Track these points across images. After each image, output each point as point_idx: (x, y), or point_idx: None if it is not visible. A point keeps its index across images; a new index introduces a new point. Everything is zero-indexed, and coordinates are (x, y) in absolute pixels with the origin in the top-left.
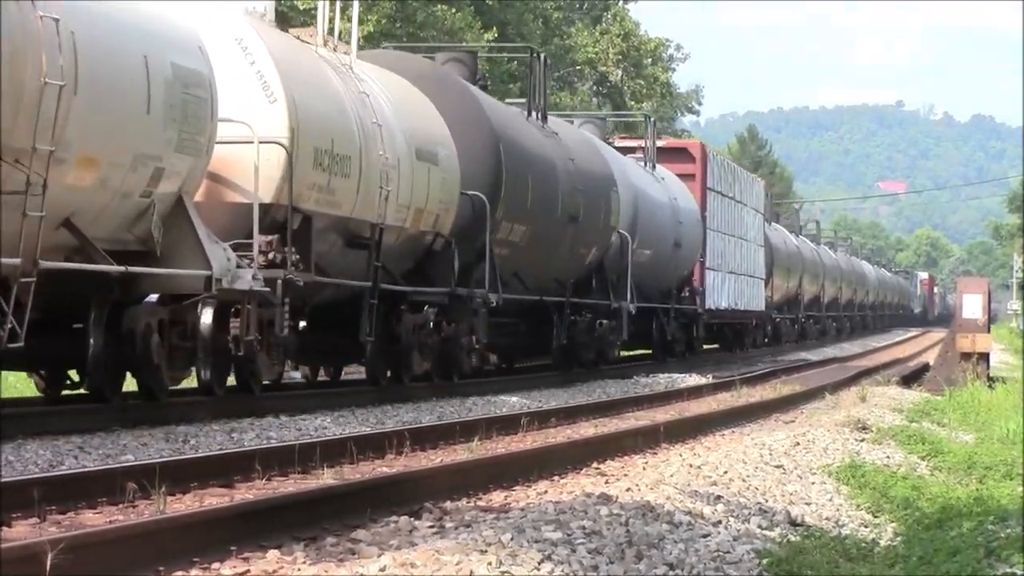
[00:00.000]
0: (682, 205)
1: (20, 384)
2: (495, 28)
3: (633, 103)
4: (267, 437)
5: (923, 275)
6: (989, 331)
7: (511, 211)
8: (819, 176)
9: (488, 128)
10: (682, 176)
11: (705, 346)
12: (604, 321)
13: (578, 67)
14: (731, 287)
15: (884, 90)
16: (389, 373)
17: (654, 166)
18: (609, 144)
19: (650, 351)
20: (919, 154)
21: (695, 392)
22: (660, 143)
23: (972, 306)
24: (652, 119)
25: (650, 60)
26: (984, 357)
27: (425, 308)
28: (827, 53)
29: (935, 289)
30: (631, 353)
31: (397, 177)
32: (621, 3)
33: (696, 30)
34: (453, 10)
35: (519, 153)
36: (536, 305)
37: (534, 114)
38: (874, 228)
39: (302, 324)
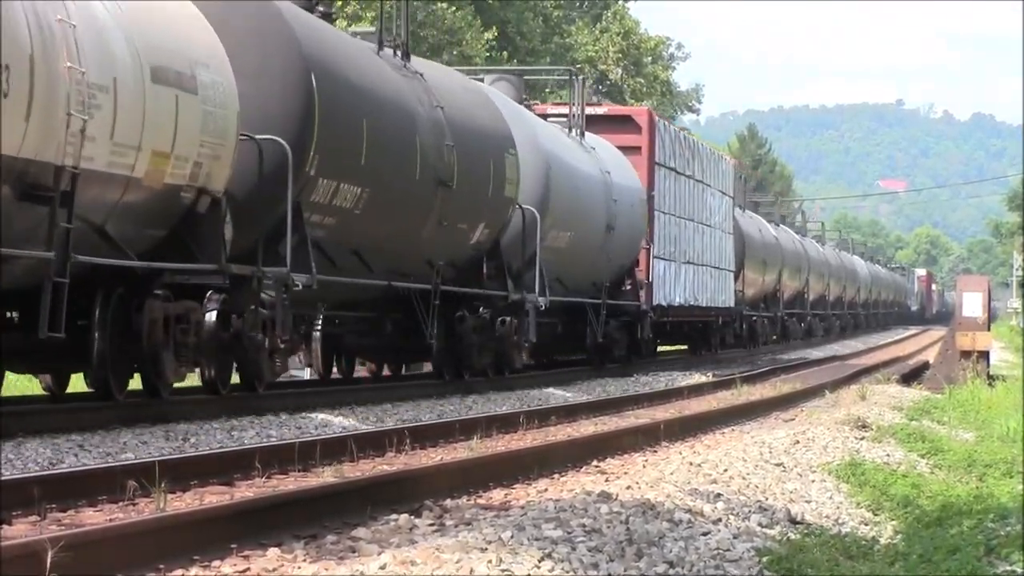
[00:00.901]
0: (618, 180)
1: (21, 382)
2: (495, 27)
3: (633, 101)
4: (267, 435)
5: (920, 272)
6: (989, 329)
7: (334, 165)
8: (819, 175)
9: (295, 51)
10: (625, 149)
11: (670, 347)
12: (507, 319)
13: (578, 65)
14: (689, 280)
15: (884, 88)
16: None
17: (582, 133)
18: (528, 107)
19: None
20: (919, 152)
21: (695, 390)
22: (599, 110)
23: (972, 304)
24: (581, 77)
25: (650, 59)
26: (984, 355)
27: (210, 295)
28: (827, 52)
29: (933, 286)
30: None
31: (111, 104)
32: (621, 2)
33: (696, 29)
34: (453, 9)
35: (347, 88)
36: (394, 295)
37: (390, 49)
38: (874, 226)
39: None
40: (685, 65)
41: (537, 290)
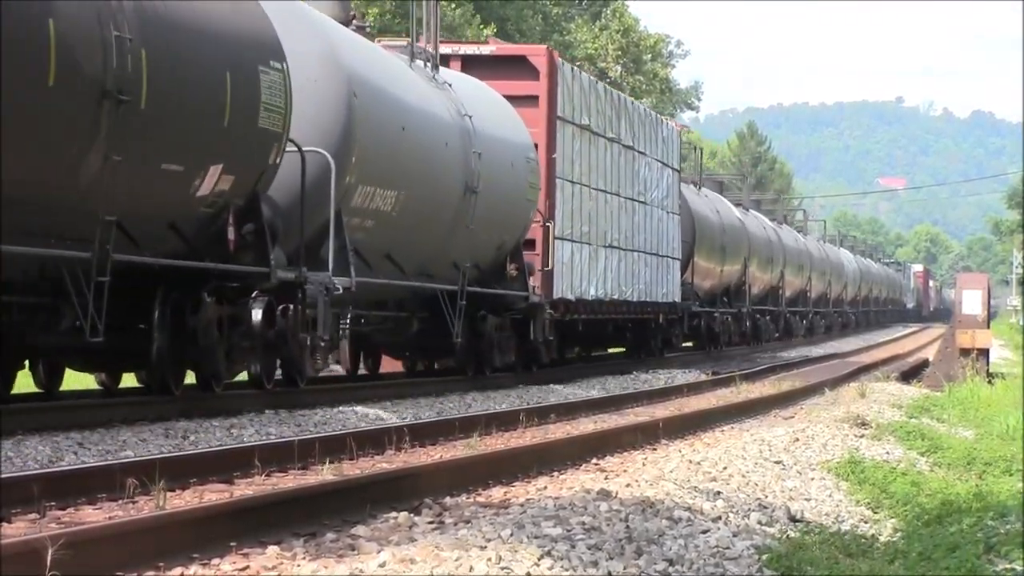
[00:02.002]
0: (487, 130)
1: (20, 379)
2: (494, 24)
3: (632, 99)
4: (266, 433)
5: (917, 267)
6: (989, 327)
7: None
8: (819, 172)
9: None
10: (518, 99)
11: (605, 351)
12: (292, 308)
13: (577, 63)
14: (612, 268)
15: (883, 86)
16: None
17: (435, 65)
18: (363, 32)
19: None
20: (919, 150)
21: (694, 388)
22: (485, 48)
23: (972, 302)
24: None
25: (649, 56)
26: (984, 353)
27: None
28: (827, 49)
29: (931, 282)
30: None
31: None
32: None
33: (695, 26)
34: (453, 6)
35: None
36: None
37: None
38: (874, 224)
39: None
40: (684, 63)
41: (331, 267)
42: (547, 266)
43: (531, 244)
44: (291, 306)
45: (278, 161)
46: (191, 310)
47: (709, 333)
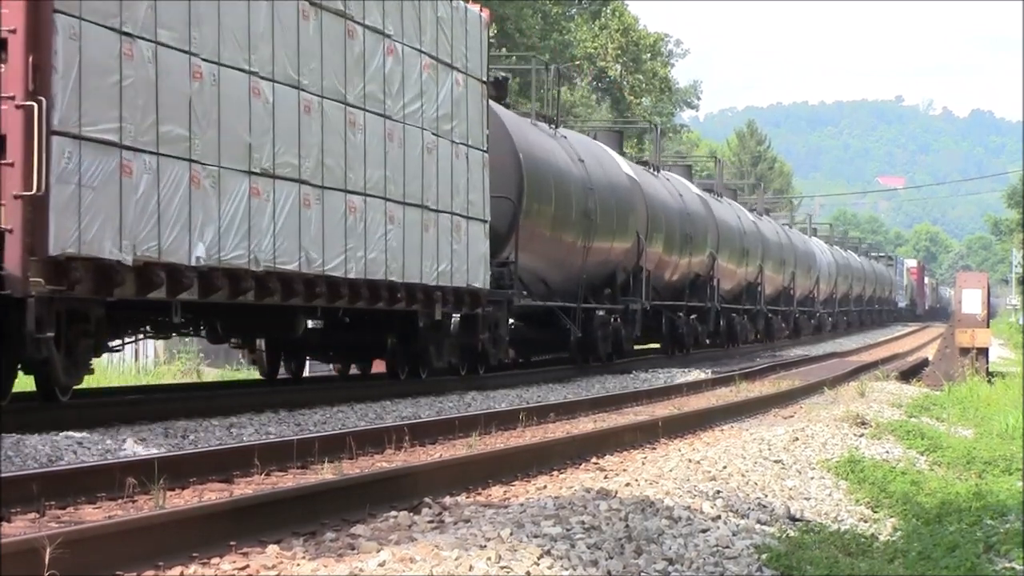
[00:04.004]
0: None
1: (19, 380)
2: (494, 23)
3: (632, 98)
4: (266, 432)
5: (911, 263)
6: (988, 326)
7: None
8: (818, 171)
9: None
10: None
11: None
12: None
13: (577, 62)
14: (267, 213)
15: (883, 85)
16: None
17: None
18: None
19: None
20: (918, 149)
21: (694, 387)
22: None
23: (971, 301)
24: None
25: (649, 55)
26: (983, 352)
27: None
28: (826, 48)
29: (926, 279)
30: None
31: None
32: None
33: (695, 25)
34: None
35: None
36: None
37: None
38: (873, 223)
39: None
40: (684, 61)
41: None
42: (33, 189)
43: None
44: None
45: None
46: None
47: (583, 343)
